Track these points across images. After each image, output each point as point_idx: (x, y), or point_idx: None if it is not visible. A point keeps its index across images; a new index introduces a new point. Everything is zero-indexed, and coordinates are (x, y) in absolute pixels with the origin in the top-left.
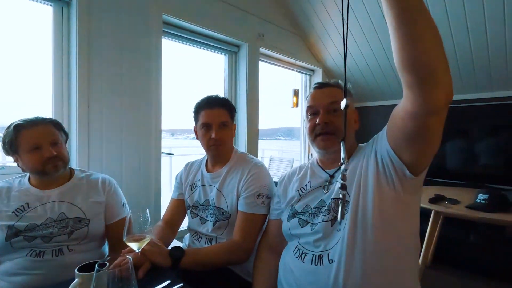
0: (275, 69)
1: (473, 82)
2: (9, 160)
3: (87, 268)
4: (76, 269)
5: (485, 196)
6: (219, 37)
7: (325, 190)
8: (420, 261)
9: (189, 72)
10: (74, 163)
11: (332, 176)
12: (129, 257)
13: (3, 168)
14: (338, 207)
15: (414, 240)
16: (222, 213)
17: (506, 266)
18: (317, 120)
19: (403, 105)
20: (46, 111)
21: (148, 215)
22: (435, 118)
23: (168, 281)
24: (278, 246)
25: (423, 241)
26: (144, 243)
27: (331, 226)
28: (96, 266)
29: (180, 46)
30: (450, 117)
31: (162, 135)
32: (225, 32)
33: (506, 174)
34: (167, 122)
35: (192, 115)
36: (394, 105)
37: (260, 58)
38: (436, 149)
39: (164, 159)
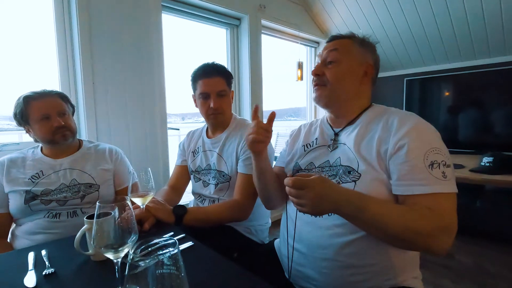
0: (279, 42)
1: (485, 46)
2: (26, 138)
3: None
4: (85, 217)
5: (490, 159)
6: (219, 10)
7: (330, 148)
8: None
9: (192, 52)
10: (84, 136)
11: (336, 134)
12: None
13: (18, 143)
14: (348, 176)
15: None
16: (223, 175)
17: None
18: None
19: None
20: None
21: (150, 174)
22: None
23: (171, 233)
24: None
25: None
26: (147, 199)
27: None
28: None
29: (181, 23)
30: (459, 85)
31: (173, 119)
32: (225, 4)
33: None
34: (176, 106)
35: (190, 83)
36: (400, 76)
37: (262, 31)
38: None
39: (173, 137)
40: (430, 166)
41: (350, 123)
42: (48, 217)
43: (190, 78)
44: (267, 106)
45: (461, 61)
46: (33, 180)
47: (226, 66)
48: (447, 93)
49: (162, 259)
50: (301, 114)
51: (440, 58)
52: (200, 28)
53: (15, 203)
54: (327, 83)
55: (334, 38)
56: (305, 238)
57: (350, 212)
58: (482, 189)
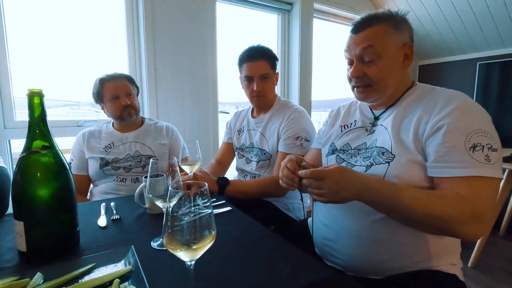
0: (332, 26)
1: None
2: (103, 117)
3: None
4: (144, 176)
5: None
6: None
7: (367, 132)
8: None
9: (244, 40)
10: (146, 114)
11: (376, 118)
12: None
13: (95, 120)
14: (381, 157)
15: None
16: (264, 153)
17: None
18: (350, 73)
19: None
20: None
21: (198, 145)
22: None
23: (214, 199)
24: None
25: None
26: (195, 168)
27: (365, 171)
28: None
29: (234, 10)
30: None
31: (227, 108)
32: None
33: None
34: (230, 95)
35: (237, 66)
36: (472, 60)
37: (315, 15)
38: None
39: (225, 122)
40: (472, 148)
41: (391, 105)
42: (117, 181)
43: (236, 62)
44: (316, 95)
45: None
46: (106, 149)
47: (276, 52)
48: None
49: (196, 202)
50: None
51: None
52: (252, 14)
53: (92, 167)
54: (371, 83)
55: (363, 27)
56: (334, 214)
57: (371, 198)
58: None
